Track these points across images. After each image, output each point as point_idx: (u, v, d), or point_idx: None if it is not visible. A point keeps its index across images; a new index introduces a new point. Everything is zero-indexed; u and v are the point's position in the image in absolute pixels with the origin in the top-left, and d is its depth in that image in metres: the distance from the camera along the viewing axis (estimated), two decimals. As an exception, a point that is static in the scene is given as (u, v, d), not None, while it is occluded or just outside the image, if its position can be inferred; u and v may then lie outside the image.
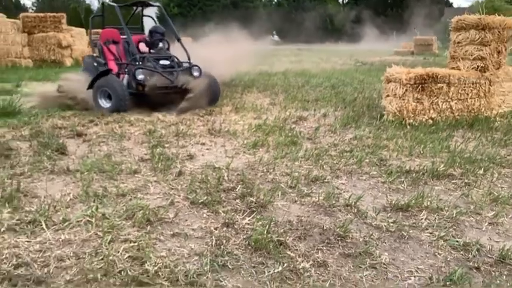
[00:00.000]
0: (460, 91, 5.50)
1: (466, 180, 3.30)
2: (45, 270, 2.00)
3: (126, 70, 6.10)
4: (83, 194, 2.87)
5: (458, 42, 5.83)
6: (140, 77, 5.79)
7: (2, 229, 2.39)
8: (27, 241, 2.28)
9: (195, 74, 6.17)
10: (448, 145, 4.27)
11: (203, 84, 6.00)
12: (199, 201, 2.80)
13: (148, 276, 1.93)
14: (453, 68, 5.82)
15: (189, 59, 6.44)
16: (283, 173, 3.40)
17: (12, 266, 2.01)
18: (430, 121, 5.33)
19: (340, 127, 5.10)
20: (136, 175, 3.33)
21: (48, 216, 2.54)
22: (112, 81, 5.84)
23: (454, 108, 5.49)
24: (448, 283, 1.94)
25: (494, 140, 4.51)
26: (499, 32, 5.63)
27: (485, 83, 5.61)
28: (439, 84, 5.43)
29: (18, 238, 2.30)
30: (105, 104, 5.86)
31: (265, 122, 5.27)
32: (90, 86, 5.94)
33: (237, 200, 2.83)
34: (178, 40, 6.80)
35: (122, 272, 1.96)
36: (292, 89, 8.46)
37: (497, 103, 5.82)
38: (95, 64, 6.35)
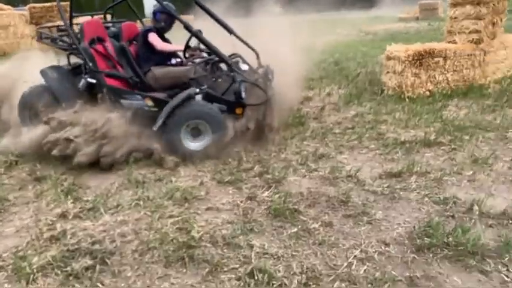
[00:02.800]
0: (455, 63, 5.89)
1: (453, 146, 3.79)
2: (114, 244, 2.58)
3: (201, 86, 3.90)
4: (127, 182, 3.44)
5: (455, 18, 6.19)
6: (244, 94, 3.84)
7: (70, 216, 2.98)
8: (92, 224, 2.86)
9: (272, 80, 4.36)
10: (441, 115, 4.74)
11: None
12: (225, 180, 3.35)
13: (194, 241, 2.50)
14: (450, 42, 6.20)
15: (257, 57, 4.59)
16: (294, 152, 3.92)
17: (89, 243, 2.59)
18: (427, 93, 5.76)
19: (344, 105, 5.57)
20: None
21: (104, 203, 3.12)
22: (206, 109, 3.76)
23: (450, 79, 5.90)
24: (427, 229, 2.47)
25: (484, 107, 4.95)
26: (493, 5, 5.96)
27: (480, 54, 5.98)
28: (436, 59, 5.83)
29: (85, 223, 2.89)
30: (193, 143, 3.83)
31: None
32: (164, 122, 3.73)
33: (256, 178, 3.38)
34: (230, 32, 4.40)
35: (174, 240, 2.54)
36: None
37: (491, 71, 6.20)
38: (83, 82, 4.05)
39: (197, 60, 4.21)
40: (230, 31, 4.38)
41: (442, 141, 3.92)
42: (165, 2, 4.21)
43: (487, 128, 4.20)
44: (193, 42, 4.26)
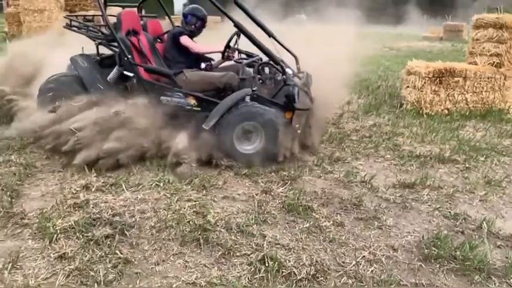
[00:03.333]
0: (475, 84, 5.93)
1: (467, 165, 3.85)
2: (133, 219, 2.70)
3: (253, 89, 3.72)
4: (149, 164, 3.56)
5: (477, 39, 6.24)
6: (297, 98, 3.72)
7: (93, 189, 3.11)
8: (113, 198, 2.99)
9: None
10: (458, 134, 4.79)
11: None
12: (242, 172, 3.46)
13: (210, 225, 2.61)
14: (471, 63, 6.24)
15: (297, 62, 4.39)
16: (310, 153, 4.01)
17: (110, 215, 2.72)
18: (446, 111, 5.81)
19: (362, 114, 5.64)
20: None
21: (125, 181, 3.24)
22: (262, 111, 3.61)
23: (469, 100, 5.94)
24: (435, 240, 2.54)
25: (501, 131, 4.99)
26: (516, 29, 6.00)
27: (500, 77, 6.01)
28: (456, 78, 5.88)
29: (107, 196, 3.02)
30: (246, 147, 3.68)
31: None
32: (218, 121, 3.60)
33: (272, 173, 3.48)
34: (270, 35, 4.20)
35: (190, 222, 2.64)
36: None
37: (511, 97, 6.22)
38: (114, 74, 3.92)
39: (244, 62, 4.06)
40: (269, 34, 4.18)
41: (457, 159, 3.98)
42: (195, 5, 4.26)
43: (503, 152, 4.25)
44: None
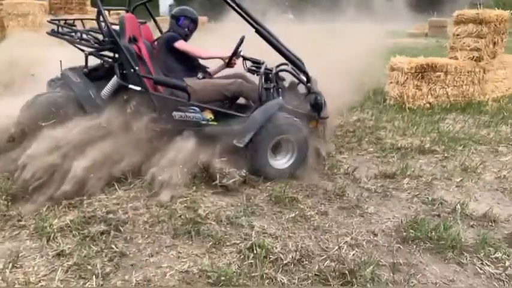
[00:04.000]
0: (456, 78, 6.15)
1: (445, 155, 4.03)
2: (126, 215, 2.82)
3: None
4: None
5: (458, 35, 6.46)
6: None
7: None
8: (106, 197, 3.10)
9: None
10: (438, 126, 4.98)
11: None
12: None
13: (201, 218, 2.74)
14: (451, 58, 6.46)
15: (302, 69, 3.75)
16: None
17: (104, 212, 2.84)
18: (428, 105, 6.01)
19: (347, 110, 5.81)
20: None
21: (117, 180, 3.36)
22: (295, 123, 3.41)
23: (449, 93, 6.15)
24: (413, 224, 2.70)
25: (479, 122, 5.19)
26: (495, 25, 6.23)
27: (479, 71, 6.24)
28: (437, 73, 6.09)
29: (100, 195, 3.12)
30: (279, 162, 3.47)
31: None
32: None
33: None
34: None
35: (182, 216, 2.78)
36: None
37: (490, 89, 6.45)
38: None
39: (262, 70, 3.60)
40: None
41: (436, 149, 4.16)
42: (184, 7, 3.97)
43: (480, 141, 4.44)
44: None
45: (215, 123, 3.51)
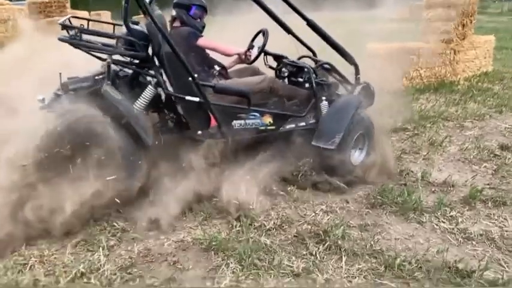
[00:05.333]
0: (428, 61, 6.52)
1: (416, 132, 4.40)
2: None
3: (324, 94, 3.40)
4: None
5: (429, 19, 6.83)
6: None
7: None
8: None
9: None
10: (411, 107, 5.34)
11: None
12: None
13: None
14: (424, 42, 6.82)
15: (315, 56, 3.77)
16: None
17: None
18: (403, 87, 6.37)
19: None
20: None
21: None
22: (366, 117, 3.46)
23: (423, 75, 6.52)
24: (382, 192, 3.04)
25: (450, 100, 5.57)
26: (463, 8, 6.60)
27: (450, 53, 6.62)
28: (411, 56, 6.45)
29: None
30: (357, 159, 3.42)
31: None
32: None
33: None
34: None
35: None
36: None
37: (461, 69, 6.83)
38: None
39: (307, 64, 3.46)
40: (288, 31, 3.38)
41: (408, 127, 4.52)
42: None
43: (448, 118, 4.82)
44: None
45: (273, 127, 3.25)
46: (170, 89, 2.98)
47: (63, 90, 2.74)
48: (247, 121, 3.18)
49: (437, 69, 6.60)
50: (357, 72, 3.58)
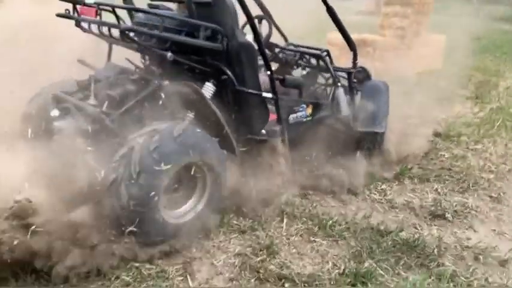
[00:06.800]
0: (383, 54, 6.97)
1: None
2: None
3: None
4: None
5: (387, 14, 7.27)
6: None
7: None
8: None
9: None
10: (363, 95, 5.76)
11: None
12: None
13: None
14: (380, 35, 7.27)
15: None
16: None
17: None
18: (358, 78, 6.80)
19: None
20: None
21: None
22: None
23: (377, 68, 6.96)
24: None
25: (398, 92, 6.03)
26: (419, 7, 7.08)
27: (404, 48, 7.09)
28: (367, 48, 6.88)
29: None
30: None
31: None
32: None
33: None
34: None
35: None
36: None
37: (414, 65, 7.33)
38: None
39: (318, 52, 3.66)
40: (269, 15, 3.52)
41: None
42: None
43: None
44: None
45: (310, 118, 3.22)
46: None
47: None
48: (298, 114, 3.12)
49: (390, 63, 7.06)
50: (355, 58, 3.71)
